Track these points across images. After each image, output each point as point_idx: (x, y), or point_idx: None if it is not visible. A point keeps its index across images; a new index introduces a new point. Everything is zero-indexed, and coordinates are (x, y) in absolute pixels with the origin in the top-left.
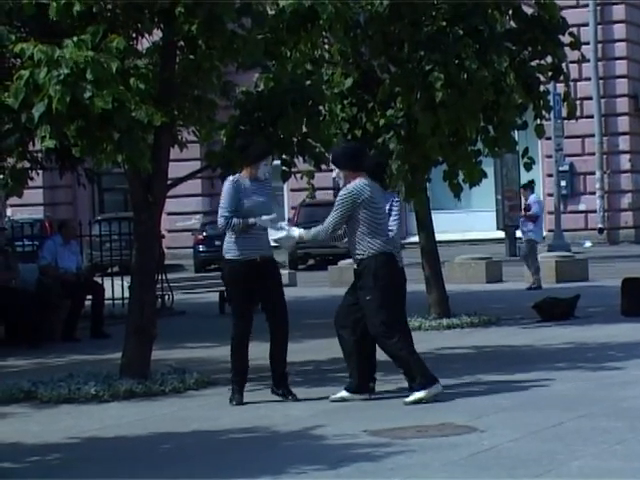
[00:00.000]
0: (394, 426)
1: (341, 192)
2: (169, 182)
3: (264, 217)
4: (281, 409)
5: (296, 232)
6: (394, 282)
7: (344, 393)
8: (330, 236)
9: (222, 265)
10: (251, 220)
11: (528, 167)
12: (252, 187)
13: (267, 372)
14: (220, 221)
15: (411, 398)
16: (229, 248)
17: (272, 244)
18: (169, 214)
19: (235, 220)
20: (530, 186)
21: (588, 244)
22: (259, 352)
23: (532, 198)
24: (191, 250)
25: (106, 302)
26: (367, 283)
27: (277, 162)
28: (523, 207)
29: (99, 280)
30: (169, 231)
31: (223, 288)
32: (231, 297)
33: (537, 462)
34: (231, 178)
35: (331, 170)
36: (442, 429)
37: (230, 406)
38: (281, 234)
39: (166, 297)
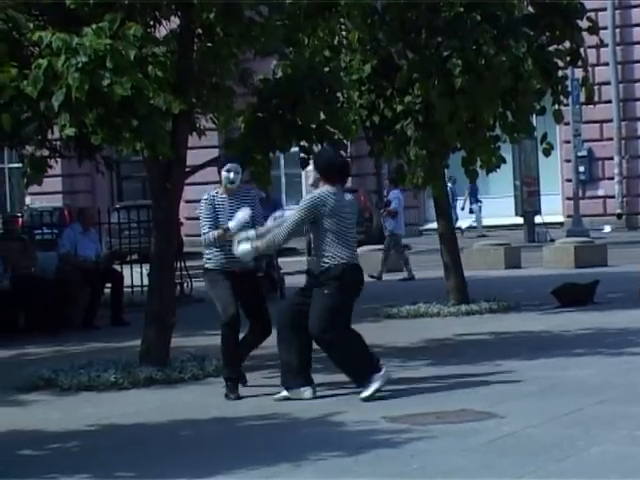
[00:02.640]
0: (414, 412)
1: (306, 197)
2: (187, 169)
3: (231, 223)
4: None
5: (254, 244)
6: (355, 292)
7: (285, 392)
8: (284, 243)
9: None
10: (224, 226)
11: (547, 153)
12: (229, 202)
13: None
14: (201, 239)
15: (365, 394)
16: (208, 259)
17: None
18: (187, 202)
19: (210, 234)
20: (395, 180)
21: (607, 229)
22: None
23: (393, 194)
24: None
25: (125, 290)
26: (330, 285)
27: (295, 149)
28: (384, 202)
29: (118, 268)
30: (187, 219)
31: None
32: (214, 297)
33: (557, 448)
34: (205, 196)
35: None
36: (462, 415)
37: (248, 393)
38: (243, 247)
39: (185, 285)
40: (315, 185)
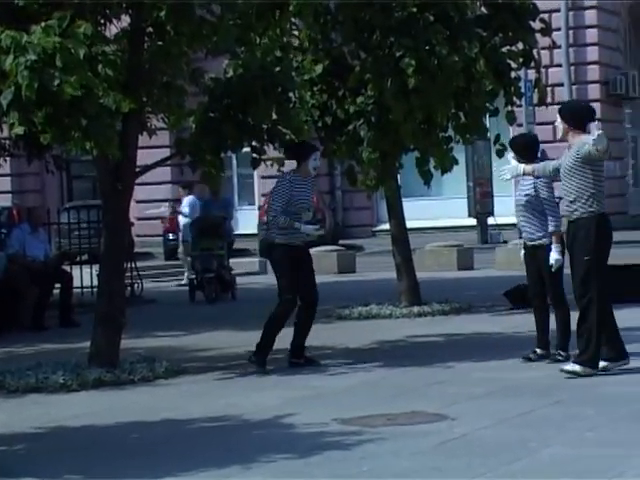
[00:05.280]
0: (364, 414)
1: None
2: (138, 169)
3: (308, 227)
4: (251, 397)
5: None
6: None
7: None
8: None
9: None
10: (296, 225)
11: (500, 154)
12: (302, 183)
13: (236, 360)
14: (270, 216)
15: (568, 367)
16: (278, 234)
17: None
18: (138, 202)
19: (281, 219)
20: (189, 186)
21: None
22: (230, 340)
23: (186, 201)
24: (161, 238)
25: (75, 290)
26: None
27: (247, 149)
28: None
29: (68, 268)
30: (138, 219)
31: (193, 276)
32: (281, 275)
33: (508, 450)
34: (286, 177)
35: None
36: (413, 417)
37: (199, 395)
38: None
39: (135, 285)
40: (564, 136)
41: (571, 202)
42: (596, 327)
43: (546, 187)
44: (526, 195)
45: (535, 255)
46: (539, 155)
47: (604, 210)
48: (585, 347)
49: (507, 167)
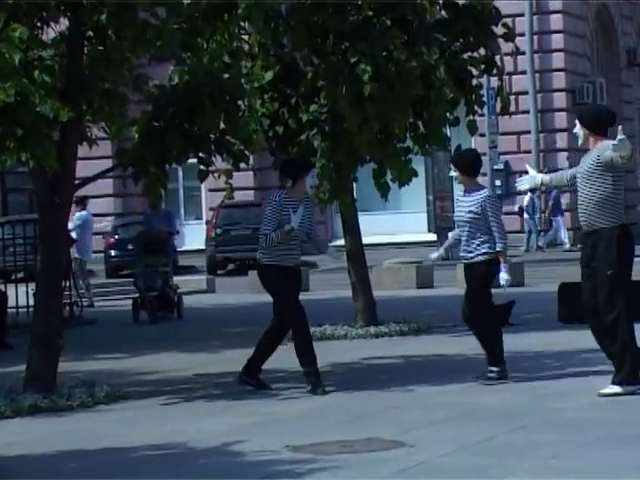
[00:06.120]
0: (318, 441)
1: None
2: (77, 182)
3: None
4: (197, 423)
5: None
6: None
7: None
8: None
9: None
10: (287, 226)
11: None
12: (294, 205)
13: (182, 384)
14: (261, 239)
15: (607, 391)
16: (264, 255)
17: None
18: None
19: (273, 234)
20: (81, 201)
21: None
22: (176, 363)
23: (77, 216)
24: (102, 255)
25: (10, 310)
26: None
27: (193, 160)
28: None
29: (2, 287)
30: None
31: (137, 295)
32: (275, 297)
33: (468, 478)
34: (276, 198)
35: (251, 169)
36: (369, 444)
37: (142, 421)
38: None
39: (75, 305)
40: (585, 142)
41: (590, 210)
42: (629, 343)
43: (494, 205)
44: (469, 212)
45: (473, 272)
46: (502, 167)
47: (625, 220)
48: (620, 365)
49: (525, 177)
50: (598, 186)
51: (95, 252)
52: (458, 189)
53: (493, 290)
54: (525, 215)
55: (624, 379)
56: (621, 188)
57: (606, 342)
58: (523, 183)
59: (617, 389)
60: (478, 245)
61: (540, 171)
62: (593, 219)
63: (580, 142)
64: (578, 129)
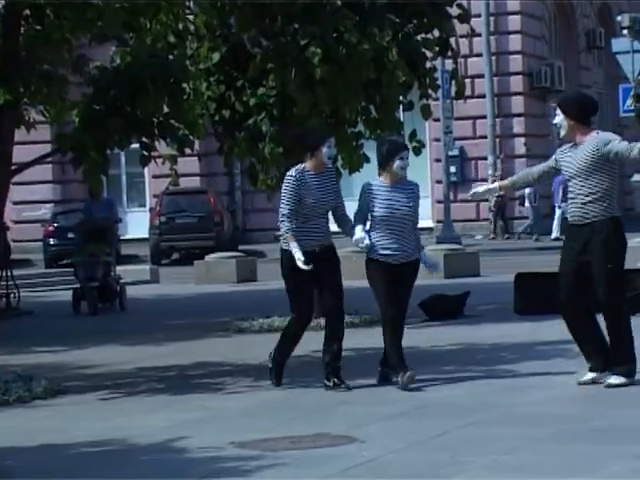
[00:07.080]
0: (265, 437)
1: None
2: (14, 167)
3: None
4: (139, 419)
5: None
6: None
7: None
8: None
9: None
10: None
11: (417, 152)
12: (315, 179)
13: (124, 378)
14: (280, 220)
15: (613, 381)
16: (283, 238)
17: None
18: (15, 203)
19: (284, 228)
20: None
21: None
22: (117, 356)
23: None
24: (40, 243)
25: None
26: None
27: (136, 145)
28: None
29: None
30: (15, 222)
31: (77, 285)
32: (286, 288)
33: (421, 475)
34: (293, 172)
35: (196, 155)
36: (317, 440)
37: (82, 417)
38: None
39: (11, 296)
40: (569, 134)
41: (585, 203)
42: (631, 334)
43: (417, 199)
44: (406, 207)
45: (409, 271)
46: (458, 153)
47: (618, 212)
48: (627, 357)
49: (481, 189)
50: (599, 178)
51: (33, 241)
52: (411, 176)
53: (447, 281)
54: (527, 203)
55: (630, 371)
56: (616, 180)
57: (581, 335)
58: (482, 193)
59: (623, 380)
60: (413, 242)
61: (497, 157)
62: (589, 212)
63: (563, 134)
64: (561, 120)
